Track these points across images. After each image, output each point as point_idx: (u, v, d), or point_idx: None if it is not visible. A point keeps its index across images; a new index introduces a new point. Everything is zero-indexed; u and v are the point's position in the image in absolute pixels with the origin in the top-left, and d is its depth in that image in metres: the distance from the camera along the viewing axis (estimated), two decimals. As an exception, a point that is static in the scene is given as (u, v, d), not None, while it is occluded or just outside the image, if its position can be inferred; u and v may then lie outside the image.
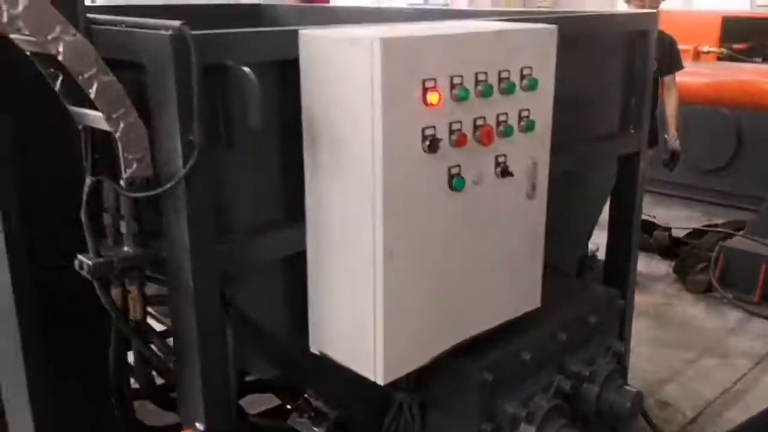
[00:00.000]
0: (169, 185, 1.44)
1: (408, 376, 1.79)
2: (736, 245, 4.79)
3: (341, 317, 1.66)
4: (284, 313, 1.77)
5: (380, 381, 1.62)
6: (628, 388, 2.11)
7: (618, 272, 2.71)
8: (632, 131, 2.61)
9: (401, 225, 1.55)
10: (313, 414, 2.02)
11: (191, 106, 1.40)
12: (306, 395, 2.00)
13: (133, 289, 1.56)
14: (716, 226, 5.44)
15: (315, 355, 1.78)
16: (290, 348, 1.79)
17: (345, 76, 1.48)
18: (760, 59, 6.61)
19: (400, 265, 1.56)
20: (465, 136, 1.59)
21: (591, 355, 2.11)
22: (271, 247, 1.64)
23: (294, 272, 1.72)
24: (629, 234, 2.70)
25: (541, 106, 1.78)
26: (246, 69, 1.43)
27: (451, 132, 1.57)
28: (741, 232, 4.96)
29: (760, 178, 5.84)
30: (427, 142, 1.53)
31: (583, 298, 2.22)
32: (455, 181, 1.61)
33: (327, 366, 1.80)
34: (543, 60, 1.75)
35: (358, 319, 1.61)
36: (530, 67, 1.71)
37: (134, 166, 1.46)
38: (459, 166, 1.61)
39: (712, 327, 4.37)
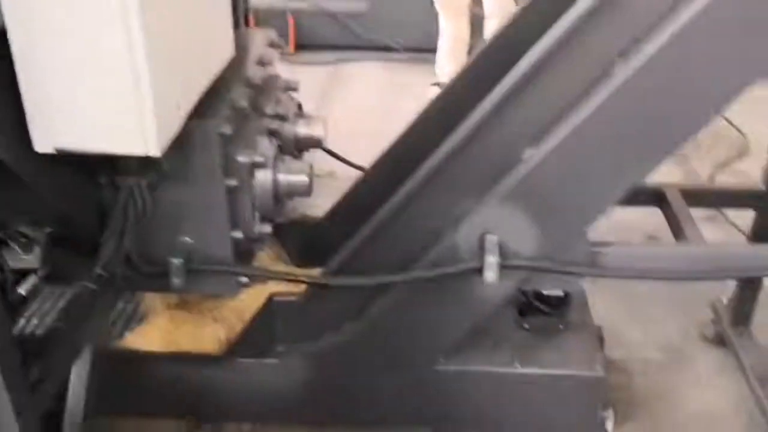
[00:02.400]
0: None
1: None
2: (263, 5, 5.04)
3: (80, 92, 1.36)
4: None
5: (156, 151, 1.42)
6: (313, 116, 2.21)
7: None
8: None
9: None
10: (22, 240, 1.68)
11: None
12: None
13: None
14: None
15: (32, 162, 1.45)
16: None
17: None
18: None
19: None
20: None
21: (276, 95, 2.13)
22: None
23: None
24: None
25: None
26: None
27: None
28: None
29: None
30: None
31: (249, 39, 2.17)
32: None
33: (44, 173, 1.50)
34: None
35: (110, 86, 1.34)
36: None
37: None
38: None
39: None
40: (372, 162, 2.43)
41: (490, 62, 2.25)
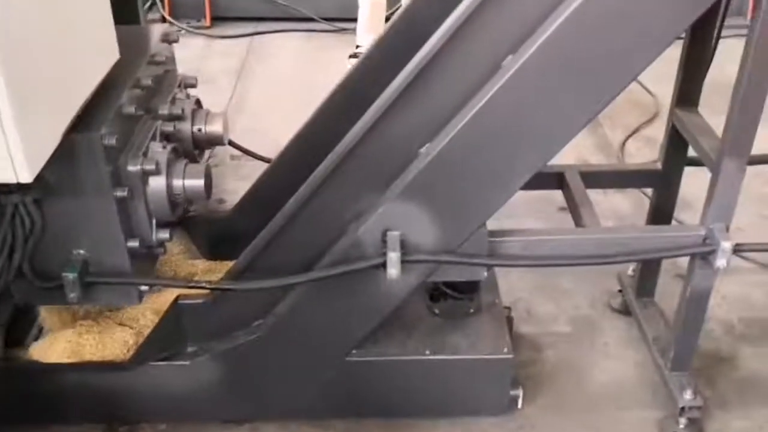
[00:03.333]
0: None
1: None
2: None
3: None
4: None
5: (27, 177, 1.38)
6: (212, 113, 2.17)
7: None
8: None
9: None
10: None
11: None
12: None
13: None
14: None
15: None
16: None
17: None
18: None
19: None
20: None
21: (172, 94, 2.08)
22: None
23: None
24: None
25: None
26: None
27: None
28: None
29: None
30: None
31: (141, 37, 2.11)
32: None
33: None
34: None
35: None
36: None
37: None
38: None
39: (185, 56, 4.58)
40: (279, 152, 2.40)
41: (400, 38, 2.23)
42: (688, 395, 2.13)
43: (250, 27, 4.95)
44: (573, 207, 2.17)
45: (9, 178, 1.37)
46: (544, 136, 1.79)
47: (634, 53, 1.71)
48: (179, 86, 2.15)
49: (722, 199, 1.91)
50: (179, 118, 2.04)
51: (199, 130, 2.10)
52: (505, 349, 2.14)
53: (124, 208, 1.78)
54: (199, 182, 1.90)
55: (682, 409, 2.13)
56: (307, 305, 2.03)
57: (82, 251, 1.79)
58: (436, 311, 2.27)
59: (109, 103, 1.74)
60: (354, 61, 4.46)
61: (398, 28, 2.25)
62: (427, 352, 2.14)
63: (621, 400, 2.32)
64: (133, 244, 1.81)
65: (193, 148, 2.12)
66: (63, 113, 1.53)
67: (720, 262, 1.92)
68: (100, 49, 1.72)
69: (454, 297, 2.26)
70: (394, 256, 1.87)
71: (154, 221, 1.87)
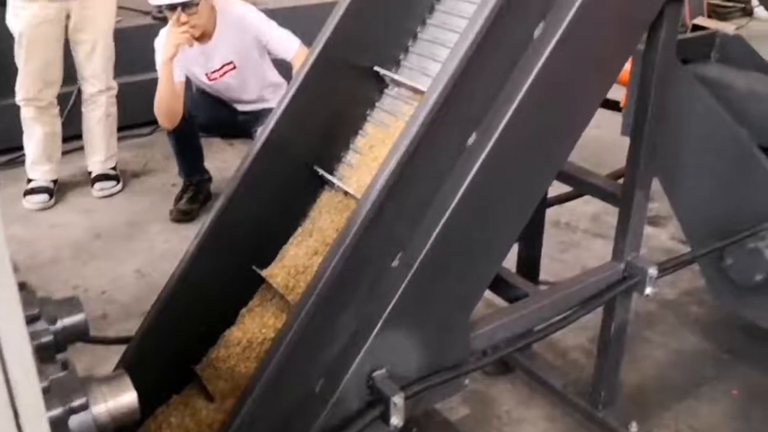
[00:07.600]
0: None
1: None
2: None
3: None
4: None
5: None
6: (56, 299, 1.52)
7: None
8: None
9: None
10: None
11: None
12: None
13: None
14: None
15: None
16: None
17: None
18: None
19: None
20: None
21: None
22: None
23: None
24: None
25: None
26: None
27: None
28: None
29: None
30: None
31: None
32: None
33: None
34: None
35: None
36: None
37: None
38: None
39: None
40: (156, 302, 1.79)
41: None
42: (633, 427, 2.14)
43: None
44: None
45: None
46: (522, 199, 1.66)
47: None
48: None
49: (635, 229, 1.97)
50: (36, 318, 1.37)
51: (61, 326, 1.44)
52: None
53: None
54: (132, 397, 1.29)
55: (631, 442, 2.14)
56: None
57: None
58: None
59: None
60: (33, 198, 3.66)
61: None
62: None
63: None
64: None
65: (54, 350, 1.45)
66: None
67: (649, 289, 1.97)
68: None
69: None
70: (398, 401, 1.51)
71: (83, 480, 1.22)
